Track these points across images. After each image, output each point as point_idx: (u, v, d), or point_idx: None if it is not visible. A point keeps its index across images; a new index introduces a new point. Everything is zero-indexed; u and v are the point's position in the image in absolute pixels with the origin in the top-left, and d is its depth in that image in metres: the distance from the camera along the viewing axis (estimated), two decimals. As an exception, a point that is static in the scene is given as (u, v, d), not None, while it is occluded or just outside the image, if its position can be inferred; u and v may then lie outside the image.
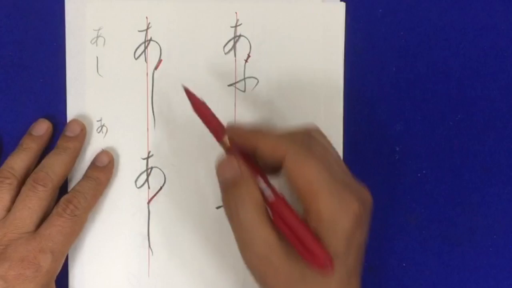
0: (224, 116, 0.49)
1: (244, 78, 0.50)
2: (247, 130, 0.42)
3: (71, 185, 0.49)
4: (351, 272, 0.40)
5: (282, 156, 0.40)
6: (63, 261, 0.46)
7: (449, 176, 0.51)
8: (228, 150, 0.42)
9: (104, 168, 0.49)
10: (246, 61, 0.50)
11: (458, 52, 0.51)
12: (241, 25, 0.50)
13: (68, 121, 0.49)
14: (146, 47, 0.50)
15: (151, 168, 0.50)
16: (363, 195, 0.41)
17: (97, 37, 0.49)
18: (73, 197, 0.46)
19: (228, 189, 0.41)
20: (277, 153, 0.40)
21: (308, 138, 0.41)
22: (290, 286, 0.39)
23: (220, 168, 0.42)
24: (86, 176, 0.48)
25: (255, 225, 0.39)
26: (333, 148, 0.43)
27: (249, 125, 0.43)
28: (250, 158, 0.41)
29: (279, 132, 0.42)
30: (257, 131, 0.41)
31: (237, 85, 0.50)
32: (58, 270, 0.46)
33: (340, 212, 0.39)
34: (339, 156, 0.43)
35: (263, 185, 0.41)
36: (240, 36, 0.50)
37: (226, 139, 0.42)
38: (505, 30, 0.51)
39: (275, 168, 0.41)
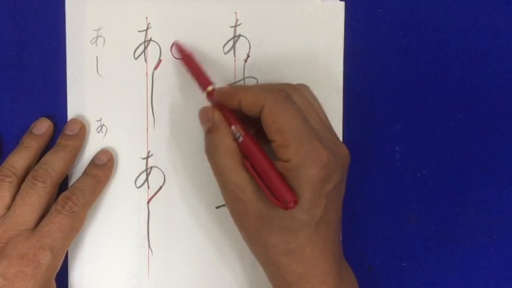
0: (224, 116, 0.50)
1: (244, 78, 0.50)
2: (231, 89, 0.45)
3: (71, 183, 0.49)
4: (320, 221, 0.41)
5: (261, 105, 0.42)
6: (62, 258, 0.46)
7: (449, 176, 0.51)
8: (211, 100, 0.45)
9: (104, 166, 0.49)
10: (245, 61, 0.50)
11: (458, 52, 0.51)
12: (241, 25, 0.50)
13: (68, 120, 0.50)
14: (145, 47, 0.50)
15: (151, 168, 0.50)
16: (337, 149, 0.43)
17: (97, 37, 0.50)
18: (71, 194, 0.46)
19: (206, 135, 0.45)
20: (257, 103, 0.42)
21: (290, 90, 0.44)
22: (258, 225, 0.42)
23: (199, 116, 0.46)
24: (85, 173, 0.49)
25: (227, 168, 0.43)
26: (319, 105, 0.45)
27: (235, 85, 0.47)
28: (228, 109, 0.44)
29: (262, 85, 0.45)
30: (239, 87, 0.45)
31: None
32: (58, 268, 0.46)
33: (308, 161, 0.41)
34: (323, 112, 0.45)
35: (234, 129, 0.44)
36: (239, 36, 0.50)
37: (209, 89, 0.45)
38: (505, 30, 0.51)
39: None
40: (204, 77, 0.46)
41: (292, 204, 0.40)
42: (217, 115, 0.44)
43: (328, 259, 0.42)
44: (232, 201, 0.43)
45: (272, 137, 0.42)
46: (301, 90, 0.45)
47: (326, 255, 0.42)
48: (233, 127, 0.44)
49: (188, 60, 0.47)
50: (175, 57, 0.49)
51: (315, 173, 0.41)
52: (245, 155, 0.43)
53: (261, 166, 0.42)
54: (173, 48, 0.49)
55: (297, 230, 0.41)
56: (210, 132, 0.44)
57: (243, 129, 0.43)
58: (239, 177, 0.42)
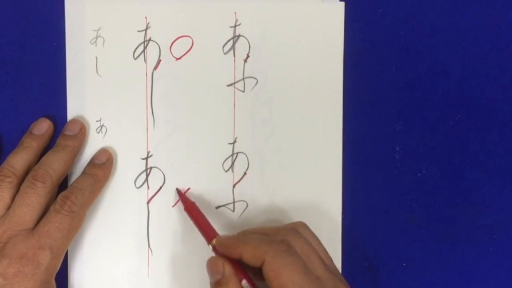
0: (224, 116, 0.50)
1: (243, 78, 0.50)
2: (231, 241, 0.44)
3: (71, 183, 0.49)
4: None
5: (262, 259, 0.41)
6: (62, 258, 0.46)
7: (449, 176, 0.51)
8: (216, 251, 0.45)
9: (103, 165, 0.49)
10: (245, 61, 0.50)
11: (458, 52, 0.51)
12: (240, 25, 0.50)
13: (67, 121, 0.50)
14: (145, 47, 0.50)
15: (151, 168, 0.50)
16: None
17: (97, 37, 0.50)
18: (70, 194, 0.46)
19: (214, 287, 0.43)
20: (257, 258, 0.42)
21: (290, 235, 0.43)
22: None
23: (208, 268, 0.44)
24: (84, 172, 0.49)
25: None
26: (318, 243, 0.45)
27: (237, 234, 0.46)
28: (237, 262, 0.44)
29: (261, 235, 0.44)
30: (240, 241, 0.43)
31: (236, 85, 0.50)
32: (58, 267, 0.46)
33: None
34: (324, 251, 0.45)
35: (245, 284, 0.43)
36: (239, 36, 0.50)
37: (214, 242, 0.45)
38: (505, 30, 0.51)
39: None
40: (209, 229, 0.46)
41: None
42: (228, 269, 0.43)
43: None
44: None
45: None
46: (300, 231, 0.45)
47: None
48: (244, 282, 0.43)
49: (191, 210, 0.48)
50: (176, 201, 0.50)
51: None
52: None
53: None
54: (176, 194, 0.50)
55: None
56: (219, 285, 0.43)
57: (252, 285, 0.43)
58: None
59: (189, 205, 0.48)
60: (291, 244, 0.42)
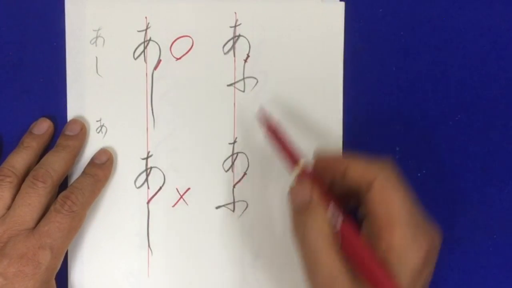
0: (224, 116, 0.50)
1: (244, 78, 0.50)
2: (336, 158, 0.42)
3: (71, 183, 0.49)
4: None
5: (371, 181, 0.40)
6: (62, 257, 0.46)
7: (449, 176, 0.51)
8: (300, 175, 0.42)
9: (103, 165, 0.49)
10: (245, 61, 0.50)
11: (458, 52, 0.51)
12: (240, 25, 0.50)
13: (68, 121, 0.50)
14: (145, 47, 0.50)
15: (151, 168, 0.50)
16: (434, 235, 0.41)
17: (97, 37, 0.50)
18: (70, 193, 0.46)
19: (298, 214, 0.41)
20: (365, 178, 0.40)
21: (396, 169, 0.41)
22: None
23: (293, 192, 0.42)
24: (84, 172, 0.49)
25: (321, 252, 0.39)
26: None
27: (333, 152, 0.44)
28: (323, 186, 0.42)
29: (365, 158, 0.42)
30: (347, 156, 0.42)
31: (237, 85, 0.50)
32: (58, 267, 0.46)
33: (412, 247, 0.39)
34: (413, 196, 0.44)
35: (333, 211, 0.41)
36: (239, 36, 0.50)
37: (301, 163, 0.42)
38: (505, 30, 0.51)
39: (354, 195, 0.41)
40: (294, 152, 0.43)
41: None
42: (317, 193, 0.41)
43: None
44: (322, 286, 0.39)
45: (376, 215, 0.40)
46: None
47: None
48: (331, 208, 0.41)
49: (275, 133, 0.45)
50: (260, 123, 0.47)
51: (418, 260, 0.39)
52: (341, 237, 0.40)
53: (362, 255, 0.39)
54: (258, 115, 0.47)
55: None
56: (304, 211, 0.41)
57: (341, 211, 0.41)
58: (334, 265, 0.39)
59: (272, 129, 0.44)
60: (399, 176, 0.41)
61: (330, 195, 0.42)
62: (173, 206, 0.50)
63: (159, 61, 0.50)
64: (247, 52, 0.50)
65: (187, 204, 0.50)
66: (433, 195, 0.51)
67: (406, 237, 0.39)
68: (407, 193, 0.40)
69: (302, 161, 0.42)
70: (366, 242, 0.40)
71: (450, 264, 0.50)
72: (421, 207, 0.42)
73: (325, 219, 0.40)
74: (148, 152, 0.50)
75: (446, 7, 0.51)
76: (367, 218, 0.41)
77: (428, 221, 0.42)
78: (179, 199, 0.50)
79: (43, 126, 0.49)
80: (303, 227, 0.40)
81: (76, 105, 0.50)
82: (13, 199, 0.46)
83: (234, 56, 0.50)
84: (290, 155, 0.44)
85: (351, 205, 0.43)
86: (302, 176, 0.42)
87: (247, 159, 0.50)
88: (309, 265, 0.40)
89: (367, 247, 0.40)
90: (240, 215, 0.50)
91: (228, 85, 0.50)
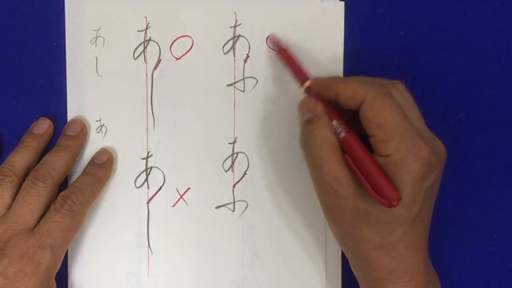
0: (224, 116, 0.50)
1: (243, 78, 0.50)
2: (329, 81, 0.44)
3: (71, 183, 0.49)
4: (416, 218, 0.41)
5: (361, 99, 0.42)
6: (62, 257, 0.46)
7: (449, 176, 0.51)
8: (308, 93, 0.45)
9: (103, 165, 0.49)
10: (245, 61, 0.50)
11: (458, 52, 0.51)
12: (240, 25, 0.50)
13: (67, 121, 0.50)
14: (145, 47, 0.50)
15: (151, 168, 0.50)
16: (436, 145, 0.43)
17: (97, 37, 0.50)
18: (70, 193, 0.46)
19: (305, 124, 0.44)
20: (356, 97, 0.42)
21: (389, 85, 0.43)
22: (354, 219, 0.41)
23: (300, 107, 0.45)
24: (84, 172, 0.49)
25: (325, 160, 0.42)
26: (414, 103, 0.45)
27: (333, 76, 0.47)
28: (329, 103, 0.44)
29: (360, 78, 0.44)
30: (338, 78, 0.45)
31: (236, 85, 0.50)
32: (58, 267, 0.46)
33: (409, 156, 0.40)
34: (419, 112, 0.45)
35: (336, 123, 0.43)
36: (239, 36, 0.50)
37: (307, 83, 0.45)
38: (505, 30, 0.51)
39: (355, 114, 0.43)
40: (302, 72, 0.46)
41: (396, 202, 0.40)
42: (320, 107, 0.44)
43: (419, 256, 0.42)
44: (327, 194, 0.42)
45: (372, 132, 0.42)
46: (398, 87, 0.44)
47: (418, 252, 0.42)
48: (334, 121, 0.43)
49: (284, 54, 0.47)
50: (270, 48, 0.49)
51: (416, 169, 0.40)
52: (345, 150, 0.43)
53: (363, 162, 0.41)
54: (268, 40, 0.49)
55: (393, 225, 0.41)
56: (310, 122, 0.44)
57: (344, 124, 0.43)
58: (337, 170, 0.42)
59: (282, 49, 0.47)
60: (391, 91, 0.42)
61: (335, 112, 0.43)
62: (173, 206, 0.50)
63: (159, 61, 0.50)
64: (247, 52, 0.50)
65: (187, 204, 0.50)
66: (433, 195, 0.51)
67: (400, 147, 0.40)
68: (397, 108, 0.41)
69: (307, 82, 0.45)
70: (367, 151, 0.42)
71: (450, 264, 0.50)
72: (423, 123, 0.44)
73: (329, 129, 0.43)
74: (148, 152, 0.50)
75: (446, 7, 0.51)
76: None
77: (430, 134, 0.43)
78: (179, 199, 0.50)
79: (43, 126, 0.49)
80: (309, 136, 0.43)
81: (76, 105, 0.50)
82: (13, 198, 0.46)
83: (234, 56, 0.50)
84: (299, 73, 0.46)
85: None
86: (309, 92, 0.45)
87: (247, 159, 0.50)
88: (315, 172, 0.43)
89: (369, 157, 0.41)
90: (240, 215, 0.50)
91: (228, 85, 0.50)
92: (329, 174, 0.42)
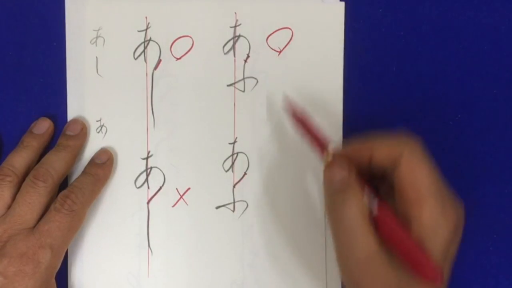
0: (224, 116, 0.50)
1: (244, 78, 0.50)
2: (360, 144, 0.42)
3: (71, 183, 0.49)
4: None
5: (397, 159, 0.40)
6: (62, 257, 0.46)
7: (449, 176, 0.51)
8: (331, 159, 0.42)
9: (103, 165, 0.49)
10: (245, 61, 0.50)
11: (458, 52, 0.51)
12: (241, 25, 0.50)
13: (67, 121, 0.50)
14: (145, 47, 0.50)
15: (151, 168, 0.50)
16: (459, 207, 0.41)
17: (97, 37, 0.50)
18: (70, 193, 0.46)
19: (334, 193, 0.41)
20: (391, 158, 0.40)
21: (420, 144, 0.41)
22: None
23: (329, 171, 0.41)
24: (84, 172, 0.49)
25: (358, 230, 0.39)
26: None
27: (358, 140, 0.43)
28: (354, 169, 0.41)
29: (388, 135, 0.42)
30: (370, 141, 0.42)
31: (237, 85, 0.50)
32: (58, 267, 0.46)
33: (442, 221, 0.39)
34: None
35: (368, 193, 0.41)
36: (239, 36, 0.50)
37: (330, 149, 0.42)
38: (505, 30, 0.51)
39: (383, 176, 0.41)
40: (323, 137, 0.44)
41: (439, 281, 0.38)
42: (354, 173, 0.41)
43: None
44: (357, 270, 0.39)
45: (404, 192, 0.40)
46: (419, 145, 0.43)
47: None
48: (366, 190, 0.40)
49: (302, 121, 0.45)
50: (286, 111, 0.47)
51: (447, 233, 0.39)
52: (378, 221, 0.40)
53: (400, 236, 0.39)
54: (285, 104, 0.47)
55: None
56: (343, 189, 0.40)
57: (375, 193, 0.41)
58: (371, 244, 0.39)
59: (300, 117, 0.45)
60: (424, 151, 0.41)
61: (363, 178, 0.41)
62: (173, 206, 0.50)
63: (159, 61, 0.50)
64: (247, 52, 0.50)
65: (187, 204, 0.50)
66: (433, 195, 0.51)
67: (435, 211, 0.39)
68: (432, 166, 0.40)
69: (331, 146, 0.42)
70: (401, 225, 0.40)
71: (450, 264, 0.50)
72: (444, 180, 0.42)
73: (362, 199, 0.40)
74: (148, 152, 0.50)
75: (446, 7, 0.51)
76: (394, 197, 0.41)
77: (452, 194, 0.42)
78: (179, 199, 0.50)
79: (43, 126, 0.49)
80: (340, 206, 0.40)
81: (76, 105, 0.50)
82: (13, 198, 0.46)
83: (234, 56, 0.50)
84: (318, 141, 0.44)
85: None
86: (334, 160, 0.42)
87: (247, 159, 0.50)
88: (345, 245, 0.40)
89: (404, 229, 0.39)
90: (240, 215, 0.50)
91: (228, 85, 0.50)
92: (362, 249, 0.39)
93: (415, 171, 0.40)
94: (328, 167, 0.42)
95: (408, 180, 0.40)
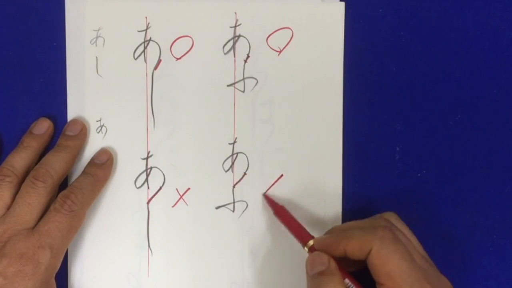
0: (224, 116, 0.50)
1: (244, 78, 0.50)
2: (332, 239, 0.44)
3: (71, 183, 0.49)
4: None
5: (368, 250, 0.41)
6: (62, 257, 0.46)
7: (449, 176, 0.51)
8: (311, 251, 0.45)
9: (103, 165, 0.49)
10: (245, 61, 0.50)
11: (458, 52, 0.51)
12: (241, 25, 0.50)
13: (67, 121, 0.50)
14: (145, 47, 0.50)
15: (151, 168, 0.50)
16: (443, 285, 0.43)
17: (97, 37, 0.50)
18: (70, 193, 0.46)
19: (316, 277, 0.42)
20: (363, 250, 0.42)
21: (390, 228, 0.43)
22: None
23: (311, 262, 0.44)
24: (84, 172, 0.49)
25: None
26: (412, 234, 0.45)
27: (333, 232, 0.46)
28: (334, 257, 0.44)
29: (361, 227, 0.44)
30: (342, 236, 0.43)
31: (237, 85, 0.50)
32: (58, 267, 0.46)
33: None
34: (418, 242, 0.45)
35: (349, 282, 0.43)
36: (239, 36, 0.50)
37: (310, 242, 0.45)
38: (505, 30, 0.51)
39: (360, 263, 0.43)
40: (303, 230, 0.46)
41: None
42: (333, 263, 0.43)
43: None
44: None
45: (380, 281, 0.41)
46: (393, 222, 0.45)
47: None
48: (347, 280, 0.43)
49: (281, 213, 0.48)
50: (267, 207, 0.50)
51: None
52: None
53: None
54: (264, 199, 0.50)
55: None
56: (323, 274, 0.42)
57: (357, 284, 0.43)
58: None
59: (279, 210, 0.48)
60: (395, 231, 0.42)
61: (344, 270, 0.43)
62: (173, 206, 0.50)
63: (159, 61, 0.50)
64: (247, 52, 0.50)
65: (187, 204, 0.50)
66: (433, 195, 0.51)
67: None
68: (404, 253, 0.41)
69: (310, 242, 0.45)
70: None
71: (450, 264, 0.50)
72: (426, 257, 0.44)
73: (342, 285, 0.42)
74: (148, 152, 0.50)
75: (446, 7, 0.51)
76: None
77: (434, 271, 0.43)
78: (179, 199, 0.50)
79: (43, 126, 0.49)
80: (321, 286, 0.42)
81: (76, 105, 0.50)
82: (13, 198, 0.46)
83: (234, 56, 0.50)
84: (300, 233, 0.46)
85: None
86: (313, 251, 0.45)
87: (247, 159, 0.50)
88: None
89: None
90: (240, 215, 0.50)
91: (228, 85, 0.50)
92: None
93: (388, 262, 0.41)
94: (310, 256, 0.44)
95: (382, 271, 0.41)
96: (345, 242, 0.43)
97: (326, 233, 0.46)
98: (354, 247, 0.42)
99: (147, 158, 0.50)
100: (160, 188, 0.50)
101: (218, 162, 0.50)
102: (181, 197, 0.50)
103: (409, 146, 0.51)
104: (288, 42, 0.50)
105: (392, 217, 0.46)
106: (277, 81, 0.50)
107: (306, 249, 0.45)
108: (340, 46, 0.50)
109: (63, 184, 0.49)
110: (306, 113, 0.50)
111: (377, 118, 0.51)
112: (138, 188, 0.50)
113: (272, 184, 0.50)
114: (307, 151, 0.50)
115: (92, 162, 0.49)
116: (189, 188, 0.50)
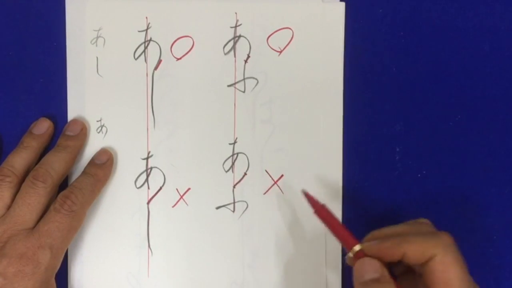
0: (224, 116, 0.50)
1: (244, 79, 0.50)
2: (390, 245, 0.42)
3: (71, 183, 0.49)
4: None
5: (431, 255, 0.41)
6: (62, 257, 0.46)
7: (449, 177, 0.51)
8: (357, 257, 0.42)
9: (103, 165, 0.49)
10: (245, 61, 0.50)
11: (458, 52, 0.51)
12: (241, 26, 0.50)
13: (67, 121, 0.50)
14: (146, 47, 0.50)
15: (151, 168, 0.50)
16: None
17: (97, 37, 0.50)
18: (70, 193, 0.46)
19: (368, 285, 0.41)
20: (424, 256, 0.41)
21: (454, 244, 0.42)
22: None
23: (362, 269, 0.42)
24: (84, 172, 0.49)
25: None
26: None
27: (374, 238, 0.44)
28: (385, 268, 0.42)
29: (416, 233, 0.43)
30: (401, 240, 0.42)
31: (237, 85, 0.50)
32: (58, 267, 0.46)
33: None
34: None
35: None
36: (239, 36, 0.50)
37: (357, 247, 0.43)
38: (505, 30, 0.51)
39: (409, 271, 0.43)
40: (347, 235, 0.44)
41: None
42: (386, 270, 0.41)
43: None
44: None
45: (436, 287, 0.41)
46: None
47: None
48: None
49: (322, 213, 0.45)
50: (177, 201, 0.49)
51: None
52: None
53: None
54: (305, 197, 0.46)
55: None
56: (378, 282, 0.41)
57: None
58: None
59: (320, 209, 0.45)
60: (454, 247, 0.42)
61: (394, 278, 0.42)
62: (173, 206, 0.50)
63: (159, 61, 0.50)
64: (247, 53, 0.50)
65: (187, 204, 0.50)
66: (433, 195, 0.51)
67: None
68: (463, 263, 0.41)
69: (357, 246, 0.43)
70: None
71: (450, 264, 0.50)
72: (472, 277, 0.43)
73: None
74: (149, 152, 0.50)
75: (446, 7, 0.51)
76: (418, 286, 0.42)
77: (477, 286, 0.43)
78: (179, 199, 0.50)
79: (43, 126, 0.49)
80: None
81: (76, 105, 0.50)
82: (13, 199, 0.46)
83: (235, 56, 0.50)
84: (346, 235, 0.44)
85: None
86: (358, 257, 0.42)
87: (247, 159, 0.50)
88: None
89: None
90: (240, 215, 0.50)
91: (228, 86, 0.50)
92: None
93: (449, 271, 0.40)
94: (360, 263, 0.42)
95: (441, 279, 0.40)
96: (406, 245, 0.41)
97: (366, 240, 0.44)
98: (416, 252, 0.41)
99: (147, 158, 0.50)
100: (160, 188, 0.50)
101: (219, 162, 0.50)
102: (181, 197, 0.50)
103: (409, 146, 0.51)
104: (289, 42, 0.50)
105: (428, 223, 0.45)
106: (277, 81, 0.50)
107: (350, 254, 0.43)
108: (340, 46, 0.50)
109: (63, 184, 0.49)
110: (306, 113, 0.50)
111: (377, 118, 0.51)
112: (138, 188, 0.50)
113: (272, 184, 0.50)
114: (307, 151, 0.50)
115: (92, 162, 0.49)
116: (189, 188, 0.50)
